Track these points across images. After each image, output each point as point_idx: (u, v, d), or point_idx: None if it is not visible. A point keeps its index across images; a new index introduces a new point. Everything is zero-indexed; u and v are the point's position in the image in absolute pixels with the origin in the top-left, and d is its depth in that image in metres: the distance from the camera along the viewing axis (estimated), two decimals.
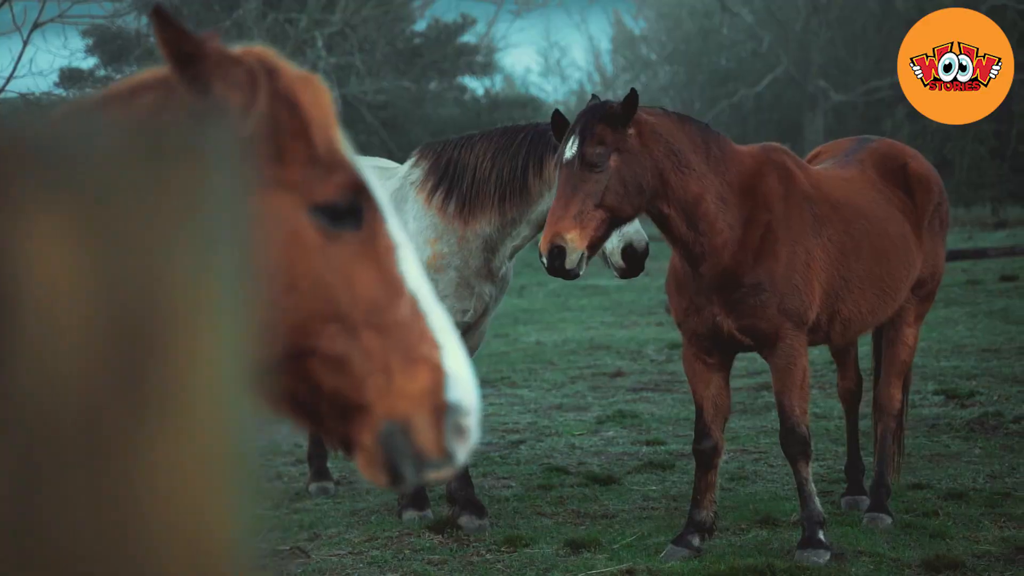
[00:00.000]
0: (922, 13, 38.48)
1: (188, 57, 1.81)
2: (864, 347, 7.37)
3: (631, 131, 5.39)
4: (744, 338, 5.80)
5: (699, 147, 5.62)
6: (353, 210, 1.85)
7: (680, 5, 51.58)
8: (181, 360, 0.77)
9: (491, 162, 6.67)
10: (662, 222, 5.69)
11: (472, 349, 7.17)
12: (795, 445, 5.86)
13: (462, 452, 1.83)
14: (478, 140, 6.83)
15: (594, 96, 5.93)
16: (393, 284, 1.84)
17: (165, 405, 0.78)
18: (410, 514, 6.82)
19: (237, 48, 1.90)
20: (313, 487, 7.50)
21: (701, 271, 5.76)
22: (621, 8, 56.07)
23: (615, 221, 5.40)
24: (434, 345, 1.83)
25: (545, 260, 5.35)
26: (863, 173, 6.41)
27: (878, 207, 6.27)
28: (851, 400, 7.03)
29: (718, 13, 46.37)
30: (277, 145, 1.82)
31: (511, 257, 6.92)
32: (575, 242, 5.24)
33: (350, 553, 6.28)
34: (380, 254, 1.85)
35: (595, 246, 5.39)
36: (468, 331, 6.99)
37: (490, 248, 6.73)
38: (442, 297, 6.73)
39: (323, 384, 1.81)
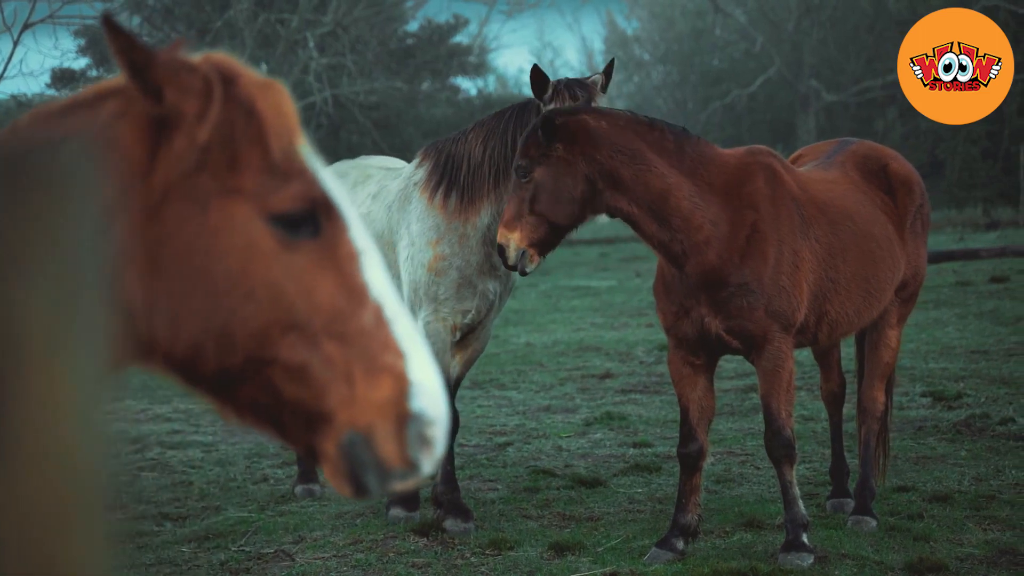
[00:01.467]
0: (914, 14, 38.60)
1: (139, 66, 1.81)
2: (847, 349, 7.38)
3: (557, 145, 5.64)
4: (732, 340, 5.81)
5: (664, 147, 5.72)
6: (310, 218, 1.83)
7: (673, 5, 51.60)
8: (32, 402, 0.76)
9: (483, 146, 6.70)
10: (632, 223, 5.79)
11: (477, 351, 7.15)
12: (780, 448, 5.86)
13: (427, 462, 1.81)
14: (471, 129, 6.90)
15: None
16: (355, 292, 1.83)
17: (14, 445, 0.77)
18: (396, 512, 6.81)
19: (197, 56, 1.90)
20: (299, 489, 7.49)
21: (687, 271, 5.77)
22: (614, 8, 56.08)
23: (554, 226, 5.71)
24: (398, 354, 1.81)
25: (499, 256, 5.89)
26: (846, 175, 6.42)
27: (863, 208, 6.28)
28: (835, 402, 7.04)
29: (710, 13, 46.41)
30: (232, 153, 1.82)
31: None
32: (516, 241, 5.70)
33: (334, 556, 6.27)
34: (341, 262, 1.84)
35: (541, 245, 5.74)
36: (472, 332, 6.97)
37: (491, 241, 6.71)
38: (443, 300, 6.72)
39: (285, 393, 1.80)
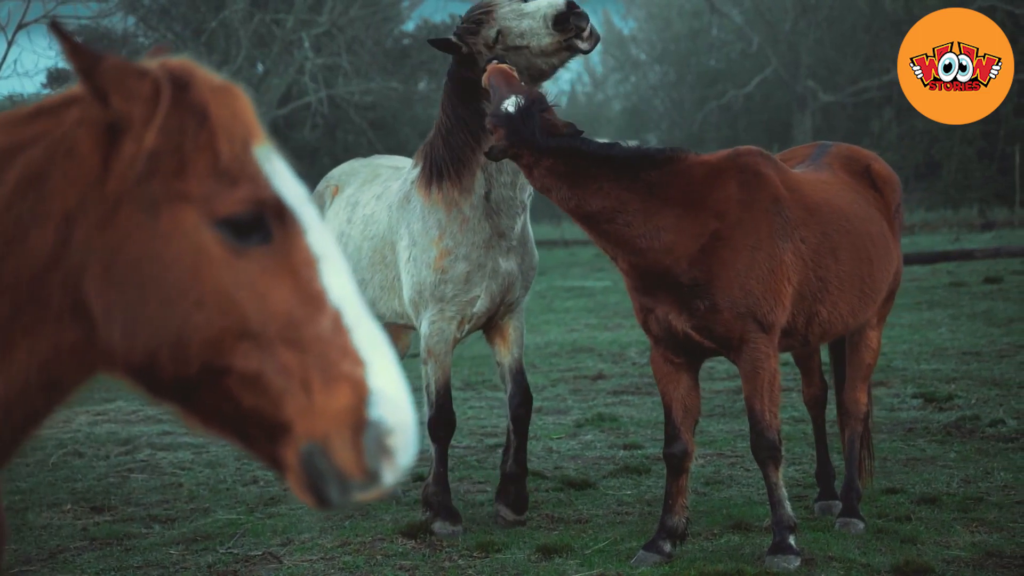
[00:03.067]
0: (911, 14, 38.63)
1: (86, 70, 1.81)
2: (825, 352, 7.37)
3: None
4: (703, 339, 5.82)
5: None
6: (260, 223, 1.81)
7: (669, 6, 51.61)
8: None
9: (448, 114, 6.67)
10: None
11: (519, 330, 6.93)
12: (764, 450, 5.85)
13: (389, 472, 1.78)
14: (439, 111, 6.86)
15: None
16: (312, 298, 1.80)
17: None
18: (441, 526, 6.63)
19: (153, 61, 1.89)
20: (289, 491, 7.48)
21: (638, 265, 5.83)
22: (611, 8, 56.07)
23: None
24: (357, 361, 1.79)
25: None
26: (836, 175, 6.43)
27: (858, 207, 6.28)
28: (817, 406, 7.03)
29: (707, 14, 46.41)
30: (181, 158, 1.80)
31: (520, 214, 6.75)
32: None
33: (322, 558, 6.26)
34: (297, 268, 1.81)
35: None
36: (499, 315, 6.81)
37: (492, 212, 6.64)
38: (450, 299, 6.64)
39: (243, 402, 1.79)
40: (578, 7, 6.31)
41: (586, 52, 6.38)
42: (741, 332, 5.72)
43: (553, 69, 6.50)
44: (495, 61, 6.23)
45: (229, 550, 6.43)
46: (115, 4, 23.50)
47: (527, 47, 6.35)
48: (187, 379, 1.80)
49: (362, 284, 7.10)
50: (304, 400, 1.77)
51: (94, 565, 6.22)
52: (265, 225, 1.82)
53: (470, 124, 6.56)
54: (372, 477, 1.78)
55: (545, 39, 6.31)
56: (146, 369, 1.81)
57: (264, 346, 1.78)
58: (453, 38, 6.56)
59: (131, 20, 28.63)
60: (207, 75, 1.89)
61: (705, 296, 5.71)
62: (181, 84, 1.85)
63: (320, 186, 7.87)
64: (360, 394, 1.77)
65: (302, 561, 6.22)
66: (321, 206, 7.66)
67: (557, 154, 5.63)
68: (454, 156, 6.63)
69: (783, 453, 5.97)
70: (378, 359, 1.80)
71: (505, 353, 6.93)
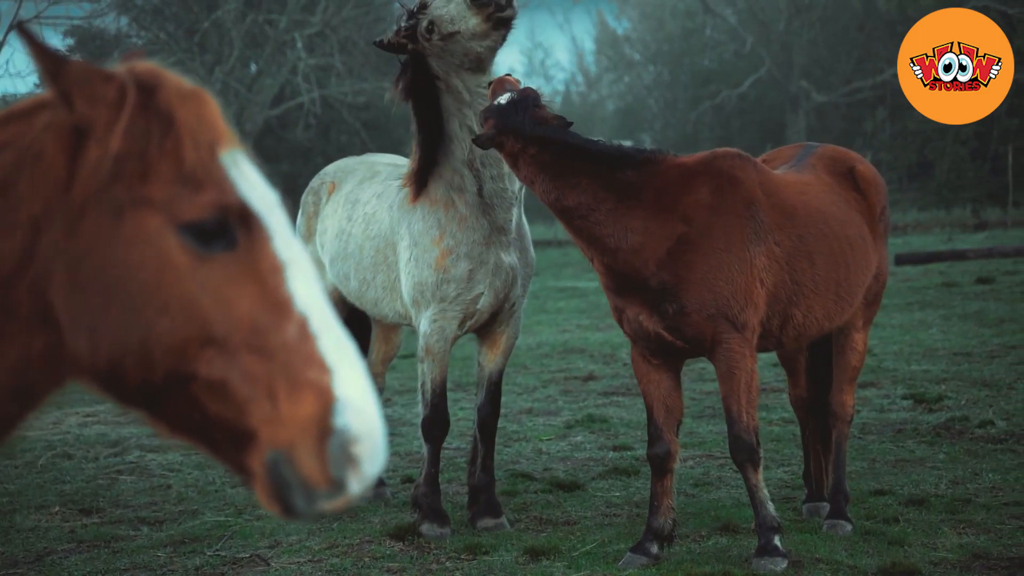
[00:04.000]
0: (904, 15, 38.59)
1: (51, 73, 1.80)
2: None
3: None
4: (675, 340, 5.83)
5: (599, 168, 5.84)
6: (224, 229, 1.79)
7: (663, 6, 51.62)
8: None
9: (413, 114, 6.69)
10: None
11: (511, 339, 6.96)
12: (743, 452, 5.85)
13: (355, 481, 1.75)
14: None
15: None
16: (278, 305, 1.78)
17: None
18: (429, 528, 6.63)
19: (121, 65, 1.88)
20: None
21: (611, 266, 5.85)
22: (604, 8, 56.09)
23: None
24: (324, 369, 1.76)
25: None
26: (818, 177, 6.42)
27: (838, 210, 6.27)
28: (803, 408, 7.03)
29: (700, 14, 46.42)
30: (146, 162, 1.79)
31: (514, 205, 6.75)
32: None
33: (309, 561, 6.26)
34: (262, 274, 1.80)
35: None
36: (496, 318, 6.80)
37: (487, 207, 6.63)
38: (452, 298, 6.63)
39: (209, 410, 1.77)
40: None
41: (511, 19, 6.39)
42: (713, 333, 5.73)
43: (491, 52, 6.50)
44: (506, 74, 6.33)
45: (217, 552, 6.42)
46: (107, 4, 23.46)
47: (459, 32, 6.39)
48: (153, 386, 1.78)
49: (364, 284, 7.09)
50: (269, 408, 1.75)
51: (81, 568, 6.21)
52: (230, 231, 1.80)
53: (431, 122, 6.57)
54: (337, 486, 1.75)
55: (472, 20, 6.36)
56: (112, 376, 1.80)
57: (229, 353, 1.76)
58: (393, 36, 6.62)
59: (124, 20, 28.59)
60: (175, 80, 1.88)
61: (673, 299, 5.73)
62: (147, 88, 1.83)
63: (315, 183, 7.84)
64: (325, 402, 1.75)
65: (290, 563, 6.22)
66: (317, 202, 7.65)
67: (542, 143, 5.72)
68: (425, 154, 6.65)
69: (762, 454, 5.97)
70: (345, 366, 1.78)
71: (491, 360, 6.94)
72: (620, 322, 6.04)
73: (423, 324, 6.70)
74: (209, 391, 1.77)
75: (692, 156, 6.09)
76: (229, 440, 1.79)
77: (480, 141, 5.86)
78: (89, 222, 1.79)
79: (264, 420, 1.75)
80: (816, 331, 6.19)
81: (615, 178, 5.75)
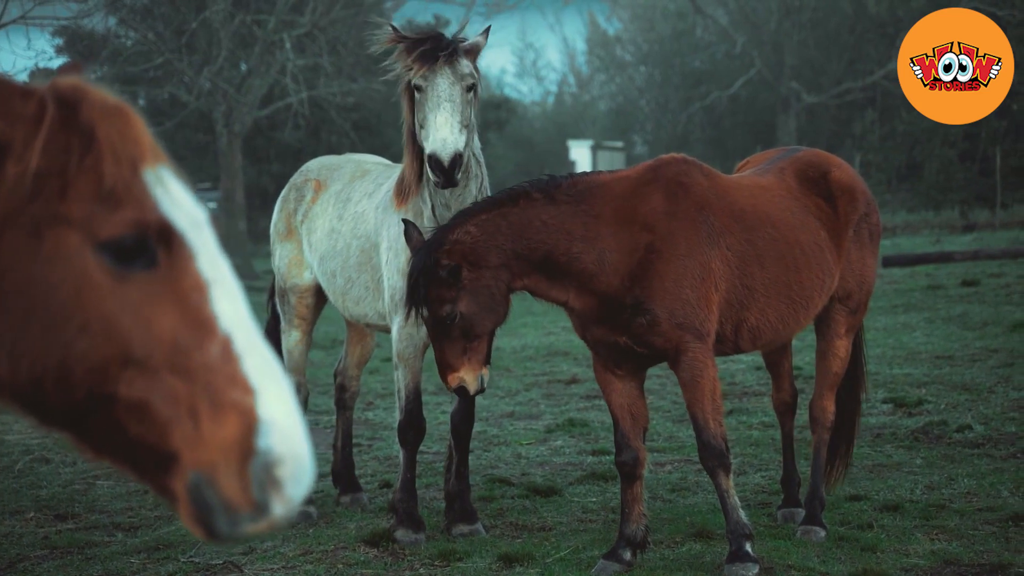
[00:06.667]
0: (895, 16, 38.51)
1: None
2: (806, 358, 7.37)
3: (464, 274, 5.70)
4: (641, 349, 5.84)
5: (536, 211, 5.77)
6: (144, 248, 1.77)
7: (654, 7, 51.63)
8: None
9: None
10: (536, 293, 5.95)
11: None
12: (712, 457, 5.86)
13: (278, 504, 1.73)
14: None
15: None
16: (200, 325, 1.76)
17: None
18: (403, 534, 6.62)
19: (43, 81, 1.87)
20: None
21: (579, 310, 5.90)
22: (595, 9, 56.10)
23: (491, 333, 5.94)
24: (247, 389, 1.74)
25: (457, 395, 6.04)
26: (781, 181, 6.40)
27: (791, 215, 6.25)
28: (786, 412, 7.03)
29: (691, 15, 46.43)
30: (64, 180, 1.76)
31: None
32: (470, 373, 5.82)
33: (283, 567, 6.25)
34: (184, 293, 1.78)
35: (486, 360, 5.91)
36: None
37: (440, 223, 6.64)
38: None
39: (131, 431, 1.75)
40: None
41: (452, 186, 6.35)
42: (678, 342, 5.75)
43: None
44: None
45: (190, 559, 6.40)
46: (95, 4, 23.41)
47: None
48: (73, 406, 1.77)
49: (349, 282, 7.09)
50: (191, 429, 1.73)
51: (54, 574, 6.20)
52: (149, 249, 1.78)
53: (413, 135, 6.56)
54: (260, 508, 1.73)
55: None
56: (31, 396, 1.78)
57: (150, 374, 1.74)
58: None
59: (112, 20, 28.53)
60: (99, 95, 1.85)
61: (646, 311, 5.74)
62: (69, 104, 1.81)
63: (297, 179, 7.74)
64: (248, 423, 1.73)
65: (263, 570, 6.21)
66: (299, 199, 7.59)
67: (475, 263, 5.70)
68: (409, 164, 6.65)
69: (732, 460, 5.98)
70: (270, 387, 1.76)
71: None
72: (585, 333, 6.04)
73: (394, 330, 6.72)
74: (130, 412, 1.75)
75: (633, 168, 6.13)
76: (152, 462, 1.77)
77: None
78: (9, 241, 1.77)
79: (186, 441, 1.73)
80: (772, 335, 6.18)
81: (557, 200, 5.75)
